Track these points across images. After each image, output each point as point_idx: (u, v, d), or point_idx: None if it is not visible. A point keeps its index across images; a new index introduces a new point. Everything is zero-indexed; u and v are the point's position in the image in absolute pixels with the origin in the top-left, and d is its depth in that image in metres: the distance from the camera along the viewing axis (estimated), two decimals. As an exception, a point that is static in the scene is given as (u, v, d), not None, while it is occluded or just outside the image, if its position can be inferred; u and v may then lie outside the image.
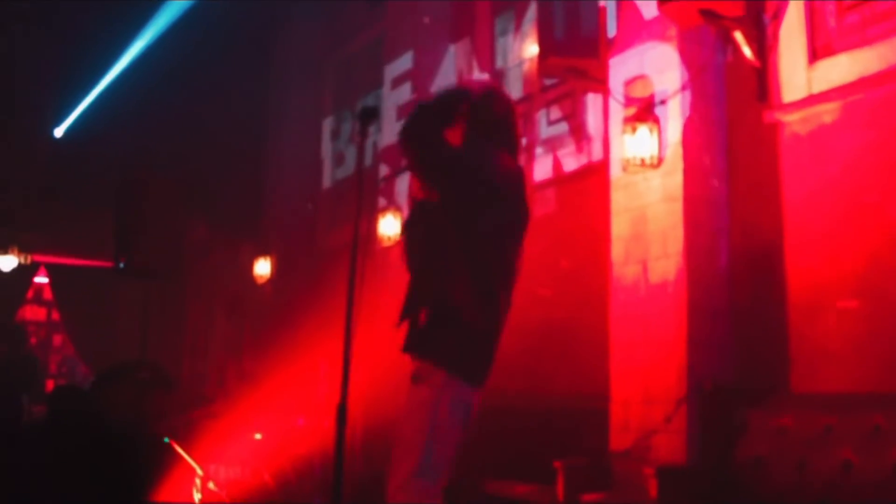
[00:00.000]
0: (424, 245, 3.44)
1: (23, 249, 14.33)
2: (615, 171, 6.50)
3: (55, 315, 16.76)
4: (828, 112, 5.70)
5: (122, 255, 9.00)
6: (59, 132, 13.93)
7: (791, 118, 5.89)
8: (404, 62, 9.54)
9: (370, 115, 3.57)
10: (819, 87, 5.75)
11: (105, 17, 11.52)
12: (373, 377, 8.37)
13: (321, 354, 8.05)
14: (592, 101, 7.30)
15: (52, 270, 15.57)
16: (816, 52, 5.84)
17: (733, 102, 6.28)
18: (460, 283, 3.29)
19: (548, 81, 7.70)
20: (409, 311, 3.39)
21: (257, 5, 11.87)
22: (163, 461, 6.28)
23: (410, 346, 3.36)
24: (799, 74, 5.87)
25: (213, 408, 8.58)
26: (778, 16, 5.99)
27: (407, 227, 3.71)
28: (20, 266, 14.43)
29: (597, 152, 7.19)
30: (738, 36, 5.97)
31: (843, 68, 5.64)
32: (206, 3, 11.51)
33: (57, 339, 17.61)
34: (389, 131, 9.56)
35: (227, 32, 11.54)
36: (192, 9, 11.70)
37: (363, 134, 3.55)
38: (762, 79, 6.01)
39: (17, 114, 12.94)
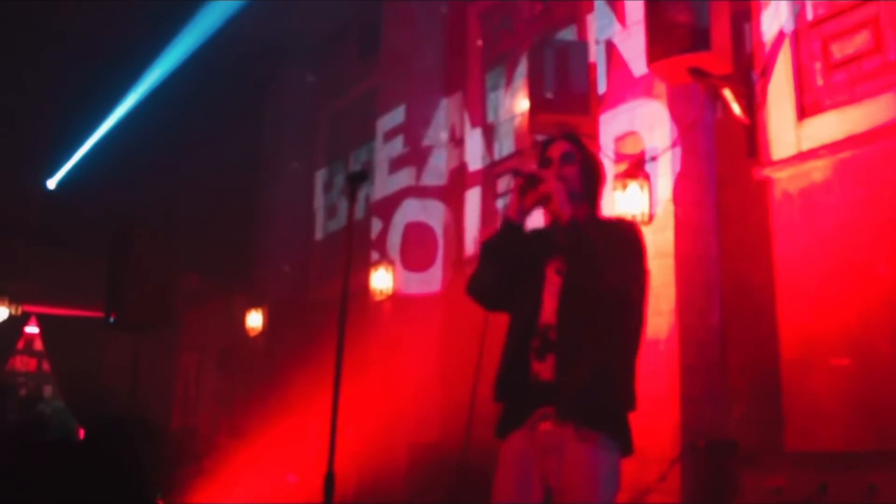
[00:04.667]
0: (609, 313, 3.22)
1: (13, 300, 14.31)
2: (607, 227, 6.50)
3: (45, 366, 16.66)
4: (817, 169, 5.73)
5: (113, 309, 8.98)
6: (52, 183, 13.96)
7: (781, 175, 5.92)
8: (397, 115, 9.58)
9: (359, 179, 3.56)
10: (808, 144, 5.78)
11: (100, 69, 11.60)
12: (365, 433, 8.32)
13: (313, 410, 7.98)
14: (584, 157, 7.32)
15: (42, 321, 15.51)
16: (805, 110, 5.89)
17: (723, 159, 6.31)
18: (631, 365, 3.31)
19: (539, 136, 7.73)
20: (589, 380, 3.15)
21: (251, 58, 11.95)
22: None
23: (587, 417, 3.12)
24: (788, 131, 5.90)
25: (203, 464, 8.49)
26: (766, 73, 6.05)
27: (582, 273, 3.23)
28: (11, 316, 14.40)
29: (589, 207, 7.19)
30: (727, 93, 6.02)
31: (831, 126, 5.68)
32: (201, 56, 11.59)
33: (47, 390, 17.49)
34: (381, 184, 9.58)
35: (221, 85, 11.61)
36: (187, 62, 11.77)
37: (352, 198, 3.54)
38: (751, 136, 6.06)
39: (10, 165, 12.97)
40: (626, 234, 3.32)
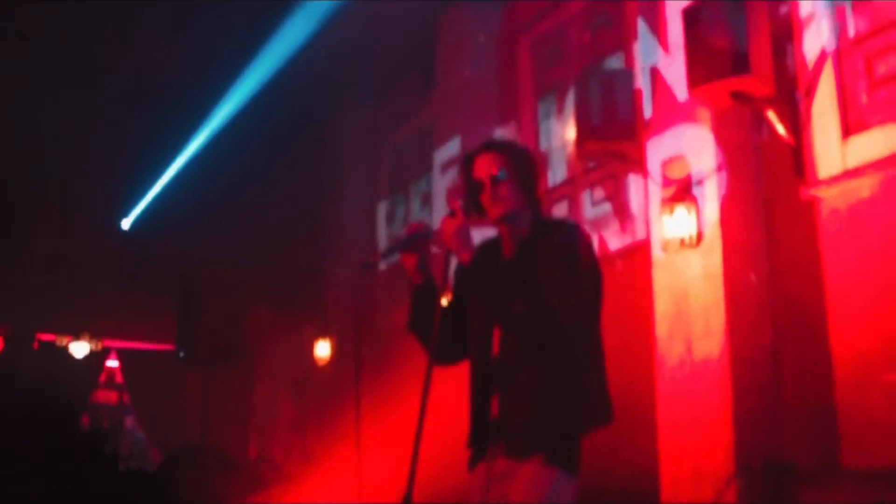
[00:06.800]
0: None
1: (94, 335, 14.85)
2: (656, 250, 6.59)
3: (126, 398, 17.17)
4: (864, 186, 5.74)
5: (183, 344, 9.31)
6: (126, 223, 14.49)
7: (828, 193, 5.94)
8: (452, 147, 9.78)
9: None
10: (854, 161, 5.80)
11: (167, 111, 12.03)
12: (436, 461, 8.45)
13: (377, 436, 8.14)
14: (634, 182, 7.43)
15: (122, 355, 16.04)
16: (849, 128, 5.90)
17: (770, 180, 6.36)
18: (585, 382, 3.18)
19: (591, 163, 7.85)
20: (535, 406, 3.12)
21: (313, 94, 12.27)
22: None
23: (528, 447, 3.11)
24: (833, 150, 5.93)
25: (272, 491, 8.72)
26: (810, 93, 6.08)
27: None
28: (92, 351, 14.95)
29: (640, 231, 7.29)
30: (771, 115, 6.07)
31: (877, 143, 5.70)
32: (265, 93, 11.93)
33: (128, 422, 17.99)
34: (440, 215, 9.74)
35: (284, 121, 11.95)
36: (252, 99, 12.13)
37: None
38: (797, 156, 6.09)
39: (88, 208, 13.53)
40: (566, 251, 3.17)
